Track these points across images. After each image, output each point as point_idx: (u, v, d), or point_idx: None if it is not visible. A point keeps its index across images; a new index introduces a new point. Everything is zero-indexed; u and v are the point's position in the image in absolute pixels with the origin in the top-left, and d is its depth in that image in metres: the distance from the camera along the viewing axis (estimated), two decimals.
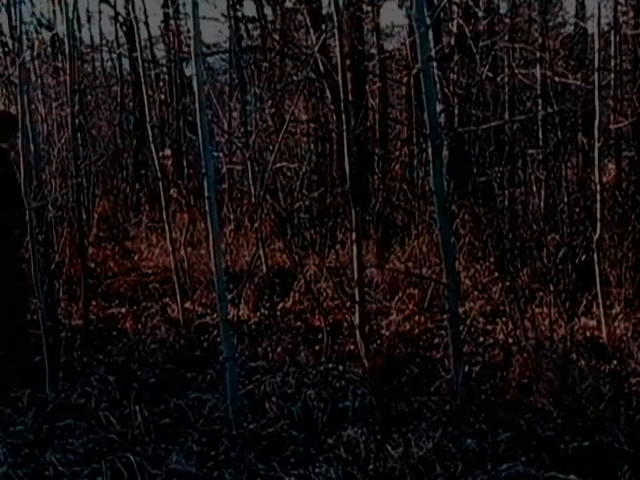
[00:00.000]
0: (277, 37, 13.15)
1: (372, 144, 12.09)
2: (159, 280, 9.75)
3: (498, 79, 11.09)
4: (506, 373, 6.30)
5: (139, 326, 8.05)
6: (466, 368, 6.28)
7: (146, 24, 15.62)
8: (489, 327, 7.59)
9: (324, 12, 11.56)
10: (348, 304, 7.56)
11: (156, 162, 8.37)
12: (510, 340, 6.85)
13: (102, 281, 9.78)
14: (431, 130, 5.59)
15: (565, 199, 8.21)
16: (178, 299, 8.14)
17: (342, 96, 6.84)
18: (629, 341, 6.73)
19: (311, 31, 10.80)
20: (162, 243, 10.65)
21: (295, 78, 12.39)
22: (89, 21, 18.57)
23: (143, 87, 8.31)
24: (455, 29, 10.31)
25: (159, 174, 8.38)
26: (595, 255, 7.29)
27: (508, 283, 7.41)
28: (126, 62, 16.67)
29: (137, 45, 8.87)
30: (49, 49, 14.25)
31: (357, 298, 6.96)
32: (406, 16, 11.61)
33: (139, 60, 8.37)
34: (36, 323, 7.17)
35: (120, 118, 15.64)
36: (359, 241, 6.92)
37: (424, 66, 5.48)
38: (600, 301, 7.23)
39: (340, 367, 6.81)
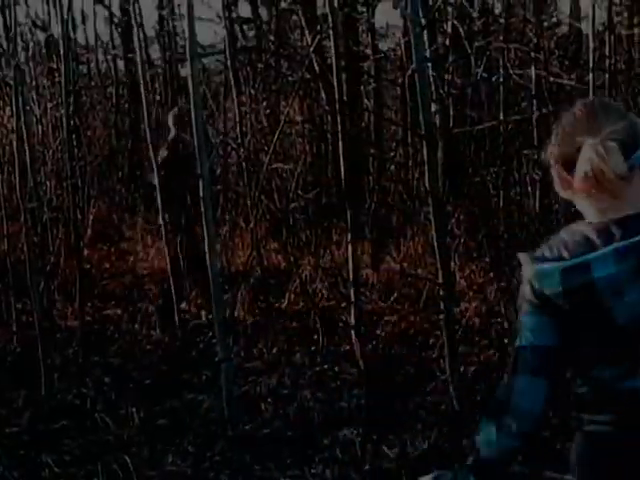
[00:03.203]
0: (272, 38, 13.16)
1: (367, 145, 12.09)
2: (155, 281, 9.75)
3: (493, 79, 11.09)
4: (502, 373, 6.29)
5: (135, 327, 8.04)
6: (461, 368, 6.29)
7: (141, 25, 15.61)
8: (484, 327, 7.59)
9: (319, 13, 11.57)
10: (343, 304, 7.57)
11: (153, 163, 8.37)
12: (505, 340, 6.85)
13: (97, 282, 9.78)
14: (426, 130, 5.59)
15: (560, 199, 8.21)
16: (174, 300, 8.13)
17: (337, 97, 6.84)
18: None
19: (306, 32, 10.80)
20: (157, 244, 10.65)
21: (290, 79, 12.38)
22: (84, 22, 18.59)
23: (142, 88, 8.29)
24: (450, 29, 10.31)
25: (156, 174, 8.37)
26: None
27: (503, 283, 7.42)
28: (121, 63, 16.67)
29: (136, 46, 8.86)
30: (44, 50, 14.26)
31: (352, 298, 6.95)
32: (401, 16, 11.61)
33: (139, 60, 8.36)
34: (32, 324, 7.18)
35: (115, 119, 15.64)
36: (354, 241, 6.92)
37: (419, 67, 5.48)
38: None
39: (335, 368, 6.82)
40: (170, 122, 8.45)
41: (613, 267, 2.17)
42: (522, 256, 2.38)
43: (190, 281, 8.34)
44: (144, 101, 8.38)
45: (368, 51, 12.62)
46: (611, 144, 2.18)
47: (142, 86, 8.23)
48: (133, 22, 8.81)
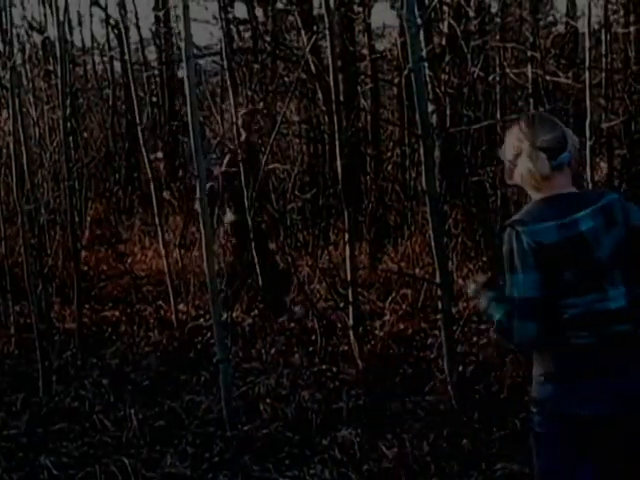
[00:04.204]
0: (268, 39, 13.14)
1: (364, 145, 12.09)
2: (152, 283, 9.75)
3: (489, 79, 11.09)
4: (500, 373, 6.30)
5: (133, 329, 8.04)
6: (460, 368, 6.29)
7: (137, 27, 15.62)
8: (483, 327, 7.58)
9: (315, 13, 11.56)
10: (342, 305, 7.56)
11: (147, 164, 8.37)
12: None
13: (95, 284, 9.77)
14: (423, 130, 5.59)
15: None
16: (171, 301, 8.13)
17: (334, 97, 6.85)
18: None
19: (302, 32, 10.79)
20: (155, 245, 10.64)
21: (287, 79, 12.38)
22: (80, 24, 18.60)
23: (132, 89, 8.30)
24: (446, 29, 10.29)
25: (150, 176, 8.37)
26: None
27: (501, 282, 7.41)
28: (117, 65, 16.66)
29: (125, 48, 8.88)
30: (40, 52, 14.25)
31: (350, 299, 6.96)
32: (397, 16, 11.60)
33: (128, 63, 8.37)
34: (30, 326, 7.18)
35: (112, 121, 15.64)
36: (352, 242, 6.92)
37: (415, 66, 5.48)
38: None
39: (334, 368, 6.81)
40: (239, 122, 8.50)
41: (591, 222, 3.16)
42: (511, 224, 3.25)
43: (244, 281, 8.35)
44: (135, 102, 8.40)
45: (364, 51, 12.60)
46: (540, 153, 3.20)
47: (132, 88, 8.24)
48: (121, 26, 8.77)
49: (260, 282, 8.23)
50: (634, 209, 3.28)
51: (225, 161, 8.28)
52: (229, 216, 8.46)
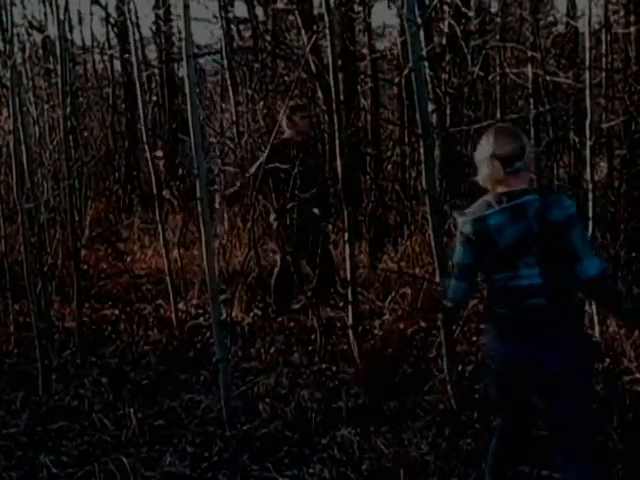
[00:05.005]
0: (268, 38, 13.13)
1: (364, 144, 12.08)
2: (152, 282, 9.74)
3: (489, 78, 11.10)
4: None
5: (132, 328, 8.04)
6: (459, 367, 6.29)
7: (137, 25, 15.60)
8: (482, 326, 7.58)
9: (315, 12, 11.55)
10: (341, 304, 7.56)
11: (149, 163, 8.36)
12: None
13: (95, 283, 9.76)
14: (423, 130, 5.59)
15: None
16: (171, 300, 8.12)
17: (334, 96, 6.84)
18: (622, 339, 6.73)
19: (302, 32, 10.77)
20: (155, 244, 10.64)
21: (287, 79, 12.37)
22: (80, 23, 18.63)
23: (138, 89, 8.28)
24: (446, 29, 10.30)
25: (152, 175, 8.36)
26: None
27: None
28: (117, 63, 16.66)
29: (131, 46, 8.85)
30: (40, 51, 14.24)
31: (350, 298, 6.96)
32: (397, 16, 11.60)
33: (134, 61, 8.35)
34: (29, 325, 7.18)
35: (112, 120, 15.63)
36: (352, 241, 6.92)
37: (416, 66, 5.48)
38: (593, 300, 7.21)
39: (333, 367, 6.81)
40: (284, 115, 8.36)
41: (498, 218, 3.99)
42: (455, 213, 4.21)
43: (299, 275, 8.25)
44: (139, 101, 8.38)
45: (365, 51, 12.60)
46: (495, 161, 4.05)
47: (137, 87, 8.23)
48: (129, 23, 8.76)
49: (272, 280, 8.25)
50: (558, 207, 3.99)
51: (260, 160, 8.09)
52: (272, 216, 8.30)
